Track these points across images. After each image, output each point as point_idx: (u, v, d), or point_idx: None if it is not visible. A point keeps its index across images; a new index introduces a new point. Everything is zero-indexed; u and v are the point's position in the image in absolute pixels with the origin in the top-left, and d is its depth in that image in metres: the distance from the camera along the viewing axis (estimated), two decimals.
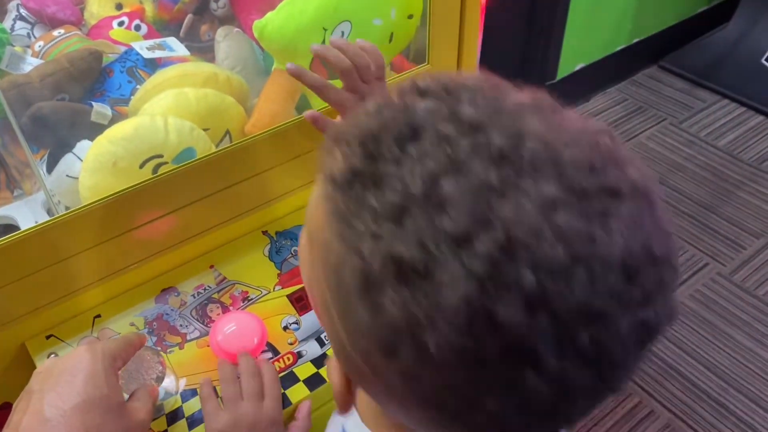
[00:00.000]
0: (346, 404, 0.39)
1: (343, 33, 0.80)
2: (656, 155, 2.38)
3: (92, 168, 0.72)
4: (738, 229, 2.15)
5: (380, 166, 0.30)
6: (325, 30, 0.79)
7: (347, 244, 0.31)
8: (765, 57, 2.50)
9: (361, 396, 0.40)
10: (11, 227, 0.93)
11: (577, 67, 2.44)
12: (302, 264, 0.40)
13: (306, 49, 0.80)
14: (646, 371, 1.83)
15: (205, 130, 0.78)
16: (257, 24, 0.79)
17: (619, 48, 2.53)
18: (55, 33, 1.01)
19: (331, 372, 0.40)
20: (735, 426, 1.68)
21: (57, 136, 0.80)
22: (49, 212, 0.81)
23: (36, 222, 0.90)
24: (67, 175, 0.76)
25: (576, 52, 2.38)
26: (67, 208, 0.79)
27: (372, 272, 0.30)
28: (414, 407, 0.33)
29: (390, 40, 0.86)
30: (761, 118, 2.46)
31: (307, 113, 0.72)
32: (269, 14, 0.79)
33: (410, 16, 0.86)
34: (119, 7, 1.12)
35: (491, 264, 0.28)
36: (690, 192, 2.26)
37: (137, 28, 1.08)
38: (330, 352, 0.68)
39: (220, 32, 0.97)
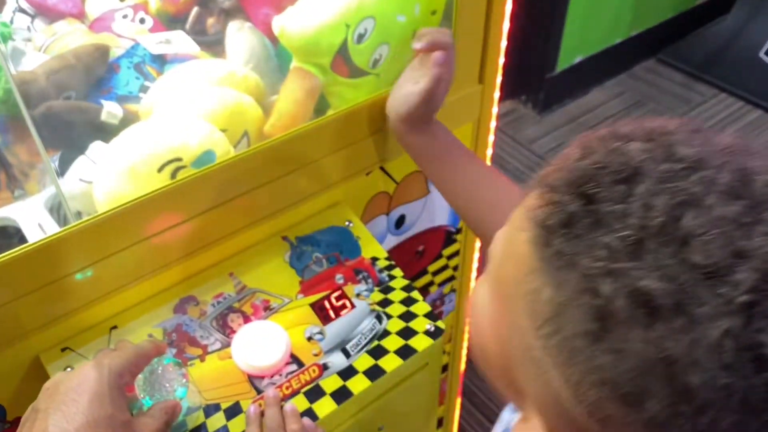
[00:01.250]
0: None
1: (366, 30, 0.77)
2: None
3: (108, 172, 0.68)
4: None
5: (602, 206, 0.30)
6: (348, 27, 0.76)
7: (573, 287, 0.30)
8: (764, 51, 2.50)
9: None
10: (12, 229, 0.90)
11: (576, 60, 2.42)
12: (482, 330, 0.39)
13: (327, 45, 0.77)
14: None
15: (222, 131, 0.75)
16: (277, 20, 0.76)
17: (617, 41, 2.51)
18: (57, 27, 0.97)
19: None
20: None
21: (67, 137, 0.77)
22: (64, 218, 0.77)
23: (39, 224, 0.86)
24: (80, 179, 0.72)
25: (575, 45, 2.36)
26: (79, 212, 0.76)
27: (613, 311, 0.28)
28: None
29: (413, 37, 0.83)
30: (760, 112, 2.45)
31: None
32: (289, 10, 0.76)
33: (433, 12, 0.83)
34: None
35: (756, 294, 0.27)
36: None
37: (142, 21, 1.04)
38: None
39: (232, 26, 0.94)
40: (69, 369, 0.67)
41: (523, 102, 2.45)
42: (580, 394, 0.31)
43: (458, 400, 1.38)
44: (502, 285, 0.36)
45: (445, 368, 1.28)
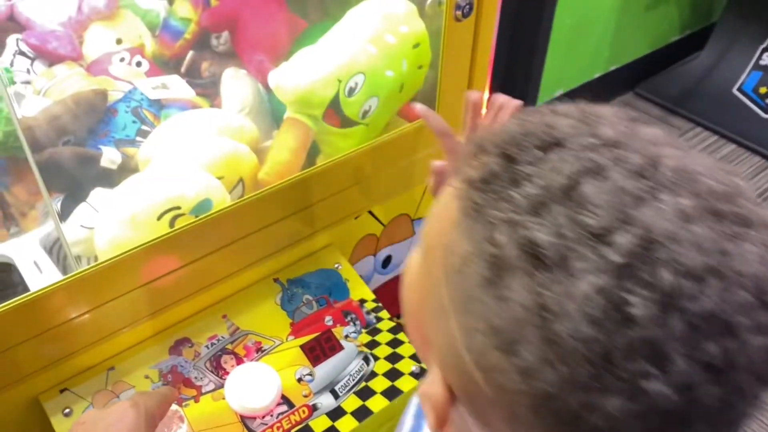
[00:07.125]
0: (444, 419, 0.37)
1: (357, 84, 0.81)
2: None
3: (109, 221, 0.71)
4: None
5: (519, 167, 0.32)
6: (340, 82, 0.80)
7: (478, 236, 0.31)
8: (736, 87, 2.58)
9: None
10: (6, 265, 0.92)
11: (557, 94, 2.48)
12: (409, 284, 0.40)
13: (320, 99, 0.81)
14: None
15: (219, 178, 0.78)
16: (273, 76, 0.80)
17: (596, 75, 2.58)
18: (57, 70, 1.00)
19: (428, 390, 0.37)
20: None
21: (68, 183, 0.79)
22: (63, 260, 0.80)
23: (34, 261, 0.89)
24: (81, 226, 0.75)
25: (556, 79, 2.42)
26: (78, 256, 0.78)
27: (504, 258, 0.30)
28: (524, 414, 0.32)
29: (400, 90, 0.87)
30: (733, 146, 2.53)
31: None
32: (284, 65, 0.80)
33: (420, 67, 0.88)
34: (119, 41, 1.11)
35: (630, 257, 0.28)
36: None
37: (138, 64, 1.08)
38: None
39: (227, 73, 0.98)
40: (68, 410, 0.69)
41: None
42: (468, 341, 0.32)
43: None
44: (428, 237, 0.37)
45: None
